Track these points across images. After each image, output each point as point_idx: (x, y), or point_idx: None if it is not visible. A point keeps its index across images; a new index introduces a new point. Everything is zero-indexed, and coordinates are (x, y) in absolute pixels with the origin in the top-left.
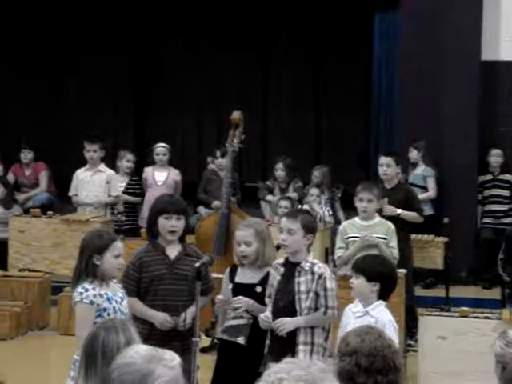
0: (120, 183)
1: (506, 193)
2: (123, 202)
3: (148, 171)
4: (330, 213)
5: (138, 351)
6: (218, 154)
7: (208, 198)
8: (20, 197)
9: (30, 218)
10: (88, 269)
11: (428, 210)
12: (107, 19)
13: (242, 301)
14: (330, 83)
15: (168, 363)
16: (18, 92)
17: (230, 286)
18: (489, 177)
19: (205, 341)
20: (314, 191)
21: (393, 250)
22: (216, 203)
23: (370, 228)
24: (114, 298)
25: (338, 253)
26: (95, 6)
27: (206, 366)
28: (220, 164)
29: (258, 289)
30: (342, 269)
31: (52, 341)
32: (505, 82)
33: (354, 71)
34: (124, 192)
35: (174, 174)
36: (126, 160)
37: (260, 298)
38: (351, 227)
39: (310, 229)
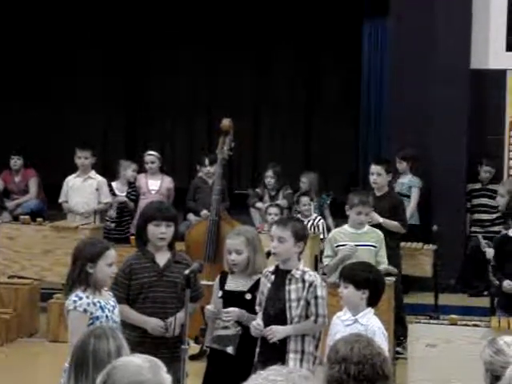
0: (121, 193)
1: (493, 202)
2: (118, 203)
3: (141, 179)
4: (325, 225)
5: (140, 365)
6: (207, 161)
7: (197, 206)
8: (9, 203)
9: (20, 225)
10: (81, 277)
11: (414, 220)
12: (100, 21)
13: (232, 314)
14: (321, 89)
15: (164, 367)
16: (9, 96)
17: (220, 293)
18: (478, 185)
19: (194, 348)
20: (305, 200)
21: (382, 259)
22: (205, 212)
23: (359, 236)
24: (107, 307)
25: (325, 261)
26: (86, 8)
27: (195, 373)
28: (208, 172)
29: (248, 296)
30: (331, 276)
31: (41, 348)
32: (494, 90)
33: (345, 79)
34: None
35: (167, 182)
36: (132, 170)
37: (250, 306)
38: (341, 235)
39: (300, 236)
